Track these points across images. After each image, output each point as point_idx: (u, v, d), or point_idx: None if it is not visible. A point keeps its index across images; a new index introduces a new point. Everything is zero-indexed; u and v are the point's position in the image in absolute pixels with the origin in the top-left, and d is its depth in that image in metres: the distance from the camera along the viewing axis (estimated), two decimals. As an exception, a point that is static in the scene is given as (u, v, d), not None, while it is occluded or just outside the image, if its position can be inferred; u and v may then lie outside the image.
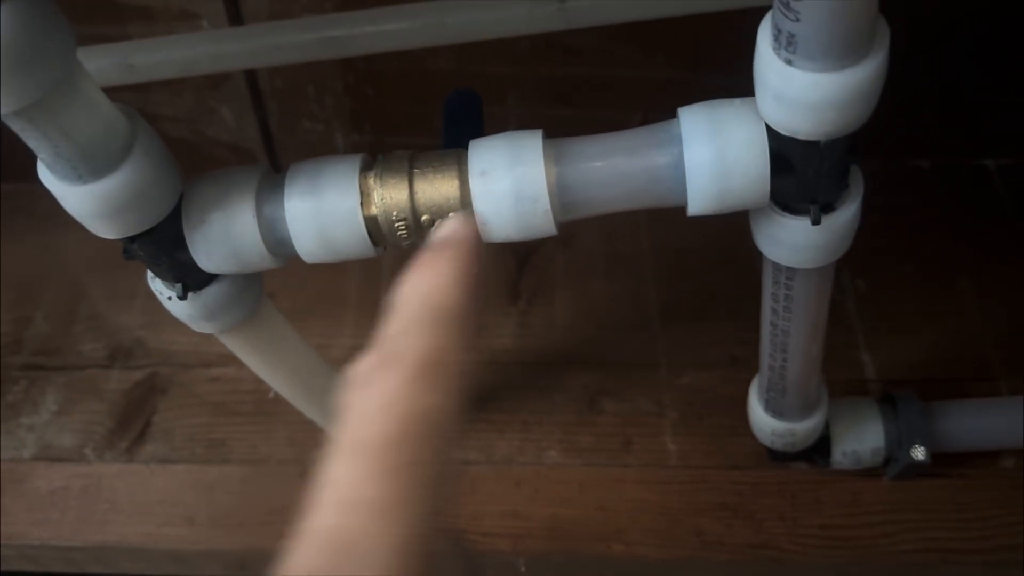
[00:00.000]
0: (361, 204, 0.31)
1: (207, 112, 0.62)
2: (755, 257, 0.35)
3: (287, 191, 0.32)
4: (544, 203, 0.30)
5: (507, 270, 0.59)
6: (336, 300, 0.59)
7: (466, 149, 0.32)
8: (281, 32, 0.41)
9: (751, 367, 0.48)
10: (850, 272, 0.57)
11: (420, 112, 0.60)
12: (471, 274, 0.27)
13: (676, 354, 0.54)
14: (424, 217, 0.31)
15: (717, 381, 0.53)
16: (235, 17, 0.54)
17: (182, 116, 0.62)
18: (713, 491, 0.49)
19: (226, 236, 0.32)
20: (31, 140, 0.27)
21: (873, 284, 0.57)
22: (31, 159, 0.66)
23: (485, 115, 0.39)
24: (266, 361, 0.40)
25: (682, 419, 0.52)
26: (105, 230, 0.30)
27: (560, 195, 0.31)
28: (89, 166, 0.28)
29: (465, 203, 0.31)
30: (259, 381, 0.55)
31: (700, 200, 0.30)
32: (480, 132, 0.37)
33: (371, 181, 0.32)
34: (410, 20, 0.40)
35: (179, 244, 0.32)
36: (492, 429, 0.52)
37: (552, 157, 0.31)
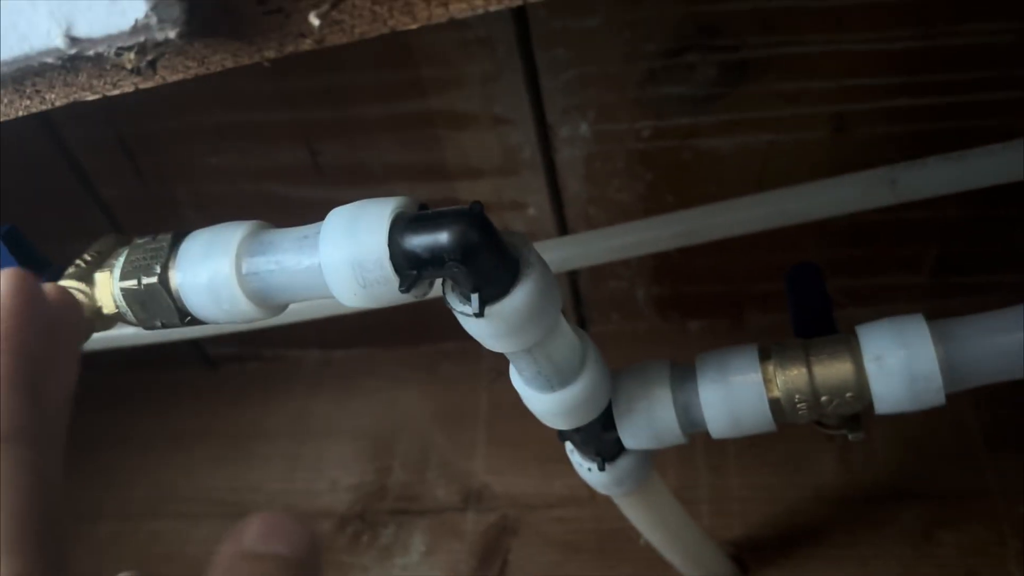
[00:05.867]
0: (766, 389, 0.37)
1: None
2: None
3: (700, 382, 0.38)
4: (936, 381, 0.35)
5: (816, 405, 0.63)
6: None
7: (831, 329, 0.37)
8: (638, 230, 0.48)
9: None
10: None
11: (715, 263, 0.67)
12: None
13: (1009, 481, 0.55)
14: (824, 398, 0.36)
15: (1059, 508, 0.54)
16: (557, 205, 0.63)
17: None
18: (1075, 623, 0.49)
19: (649, 421, 0.38)
20: (521, 364, 0.35)
21: None
22: (362, 328, 0.76)
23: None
24: (655, 520, 0.46)
25: (1027, 549, 0.53)
26: (561, 424, 0.38)
27: (950, 372, 0.35)
28: (559, 378, 0.36)
29: (861, 384, 0.36)
30: (598, 520, 0.62)
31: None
32: (827, 305, 0.42)
33: (771, 369, 0.37)
34: (752, 209, 0.47)
35: (608, 427, 0.39)
36: (829, 565, 0.55)
37: (938, 338, 0.35)
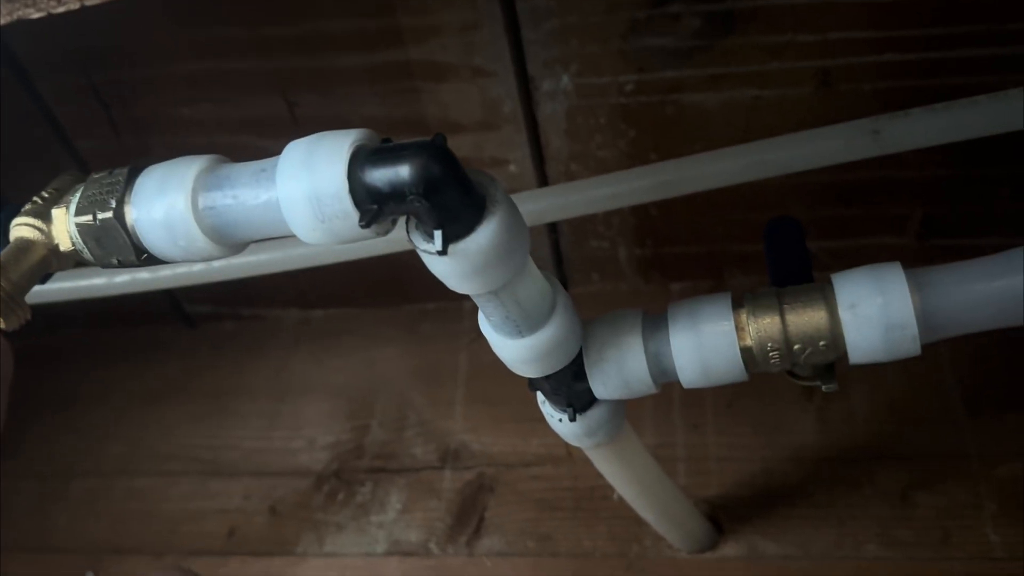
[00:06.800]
0: (737, 338, 0.36)
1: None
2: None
3: (672, 331, 0.37)
4: (912, 330, 0.34)
5: (797, 366, 0.62)
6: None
7: (807, 279, 0.36)
8: (619, 181, 0.47)
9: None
10: None
11: (697, 223, 0.66)
12: None
13: (987, 444, 0.55)
14: (796, 347, 0.36)
15: (1036, 471, 0.53)
16: (538, 161, 0.62)
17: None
18: (1049, 584, 0.49)
19: (620, 369, 0.38)
20: (489, 308, 0.34)
21: None
22: (342, 288, 0.75)
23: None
24: (627, 474, 0.45)
25: (1003, 510, 0.52)
26: (530, 371, 0.37)
27: (926, 321, 0.34)
28: (527, 324, 0.35)
29: (835, 333, 0.35)
30: (574, 478, 0.62)
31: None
32: (807, 259, 0.41)
33: (744, 317, 0.36)
34: (733, 160, 0.46)
35: (579, 377, 0.38)
36: (807, 525, 0.55)
37: (915, 286, 0.34)
